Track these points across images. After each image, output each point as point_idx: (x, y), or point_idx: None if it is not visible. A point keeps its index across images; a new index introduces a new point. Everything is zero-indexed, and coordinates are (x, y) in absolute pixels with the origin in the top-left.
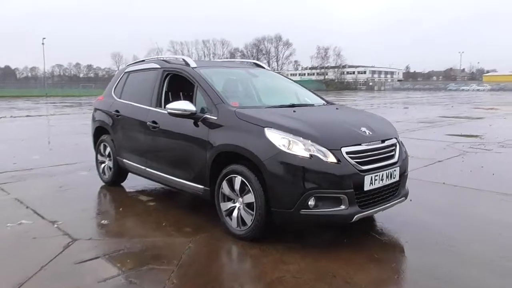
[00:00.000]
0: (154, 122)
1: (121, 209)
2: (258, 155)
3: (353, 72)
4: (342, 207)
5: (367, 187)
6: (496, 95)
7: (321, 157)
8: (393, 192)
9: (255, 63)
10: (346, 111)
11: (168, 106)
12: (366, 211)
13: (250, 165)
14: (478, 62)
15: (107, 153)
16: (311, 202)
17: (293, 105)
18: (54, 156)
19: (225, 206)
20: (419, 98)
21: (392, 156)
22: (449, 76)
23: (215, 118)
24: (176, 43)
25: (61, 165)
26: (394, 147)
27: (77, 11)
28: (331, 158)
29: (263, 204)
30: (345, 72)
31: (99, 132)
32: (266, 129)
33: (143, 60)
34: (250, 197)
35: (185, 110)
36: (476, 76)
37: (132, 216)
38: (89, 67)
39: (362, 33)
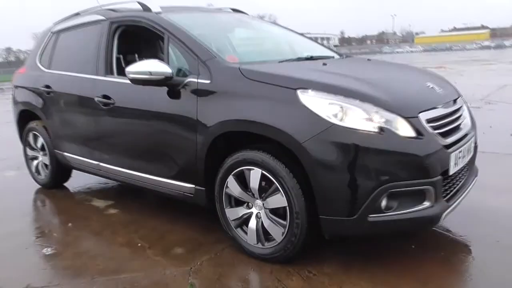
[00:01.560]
0: (105, 96)
1: (70, 224)
2: (293, 134)
3: None
4: (426, 204)
5: (452, 169)
6: (432, 55)
7: (394, 130)
8: (466, 172)
9: (232, 9)
10: (386, 64)
11: (129, 69)
12: (452, 204)
13: (275, 151)
14: (410, 25)
15: (39, 145)
16: (384, 203)
17: (311, 58)
18: None
19: (233, 213)
20: None
21: (465, 122)
22: (382, 40)
23: (207, 82)
24: None
25: None
26: (463, 109)
27: None
28: (408, 131)
29: (303, 210)
30: None
31: (25, 117)
32: (299, 92)
33: (78, 14)
34: (278, 199)
35: (154, 74)
36: (407, 38)
37: (88, 235)
38: (8, 50)
39: None
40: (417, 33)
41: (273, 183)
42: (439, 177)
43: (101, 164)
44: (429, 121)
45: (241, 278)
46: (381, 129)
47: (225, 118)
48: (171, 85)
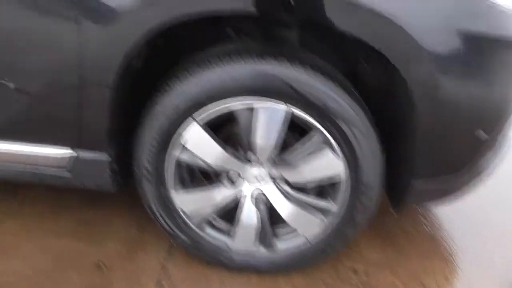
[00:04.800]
0: None
1: None
2: (415, 32)
3: None
4: None
5: None
6: None
7: None
8: None
9: None
10: None
11: None
12: None
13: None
14: None
15: None
16: None
17: None
18: None
19: (195, 199)
20: None
21: None
22: None
23: None
24: None
25: None
26: None
27: None
28: None
29: (378, 178)
30: None
31: None
32: None
33: None
34: (324, 163)
35: None
36: None
37: None
38: None
39: None
40: None
41: (314, 131)
42: None
43: None
44: None
45: None
46: None
47: None
48: None
